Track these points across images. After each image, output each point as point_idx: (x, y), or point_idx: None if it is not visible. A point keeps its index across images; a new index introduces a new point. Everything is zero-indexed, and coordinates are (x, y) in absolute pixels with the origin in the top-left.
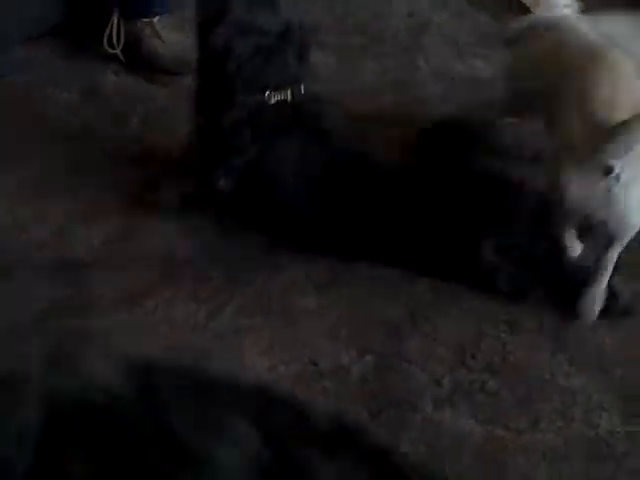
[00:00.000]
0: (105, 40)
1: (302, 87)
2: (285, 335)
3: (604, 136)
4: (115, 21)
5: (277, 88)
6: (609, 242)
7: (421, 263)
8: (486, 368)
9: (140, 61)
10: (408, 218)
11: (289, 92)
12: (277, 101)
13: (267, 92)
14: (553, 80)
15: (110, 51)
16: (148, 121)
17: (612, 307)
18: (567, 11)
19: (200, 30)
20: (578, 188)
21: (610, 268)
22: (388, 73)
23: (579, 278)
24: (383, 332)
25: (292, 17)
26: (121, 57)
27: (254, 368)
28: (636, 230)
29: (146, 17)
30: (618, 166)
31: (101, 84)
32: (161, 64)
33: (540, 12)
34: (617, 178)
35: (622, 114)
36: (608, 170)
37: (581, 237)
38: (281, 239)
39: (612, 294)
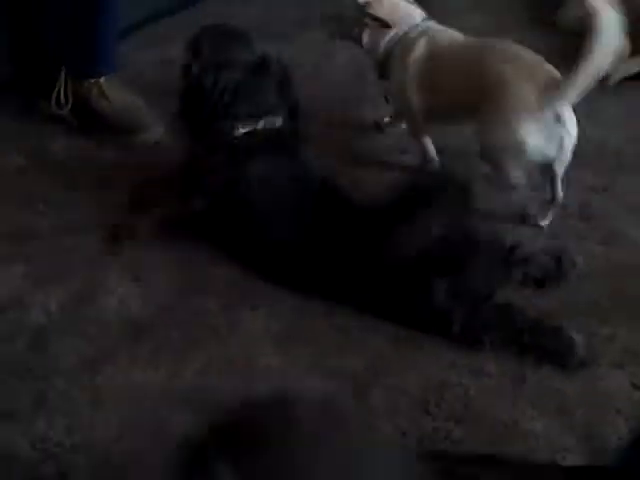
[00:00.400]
0: (53, 100)
1: (279, 118)
2: (248, 394)
3: (552, 90)
4: (62, 81)
5: (249, 118)
6: (554, 176)
7: (377, 306)
8: (450, 416)
9: (88, 121)
10: (367, 257)
11: (261, 122)
12: (248, 131)
13: (236, 122)
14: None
15: (58, 112)
16: (99, 181)
17: (568, 359)
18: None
19: (182, 69)
20: (537, 139)
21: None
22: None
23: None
24: (346, 385)
25: (270, 52)
26: (70, 117)
27: None
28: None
29: (92, 77)
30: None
31: (50, 146)
32: (109, 124)
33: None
34: (562, 121)
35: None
36: (557, 117)
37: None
38: (250, 265)
39: (568, 345)
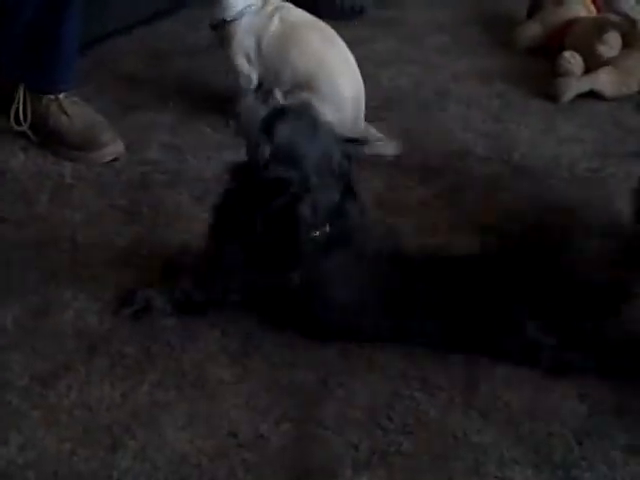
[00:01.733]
0: (12, 117)
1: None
2: (202, 408)
3: None
4: (21, 98)
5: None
6: None
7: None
8: (401, 429)
9: (48, 137)
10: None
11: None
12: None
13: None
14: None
15: (17, 128)
16: (56, 198)
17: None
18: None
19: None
20: None
21: None
22: None
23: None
24: (299, 399)
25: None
26: (29, 134)
27: (173, 444)
28: None
29: (51, 93)
30: None
31: (9, 162)
32: (68, 140)
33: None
34: None
35: None
36: None
37: None
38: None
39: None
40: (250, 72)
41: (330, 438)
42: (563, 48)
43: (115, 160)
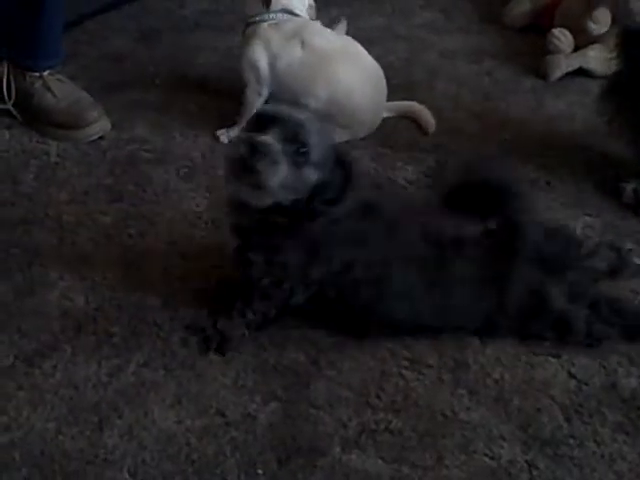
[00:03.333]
0: None
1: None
2: (190, 388)
3: None
4: (5, 75)
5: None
6: None
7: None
8: (390, 407)
9: (32, 116)
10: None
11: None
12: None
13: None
14: None
15: (1, 106)
16: (42, 177)
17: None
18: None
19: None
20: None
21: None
22: None
23: None
24: (288, 378)
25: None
26: (14, 112)
27: (161, 423)
28: None
29: (36, 71)
30: None
31: None
32: (53, 118)
33: None
34: None
35: None
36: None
37: None
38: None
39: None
40: (258, 87)
41: (319, 417)
42: (553, 25)
43: (101, 138)
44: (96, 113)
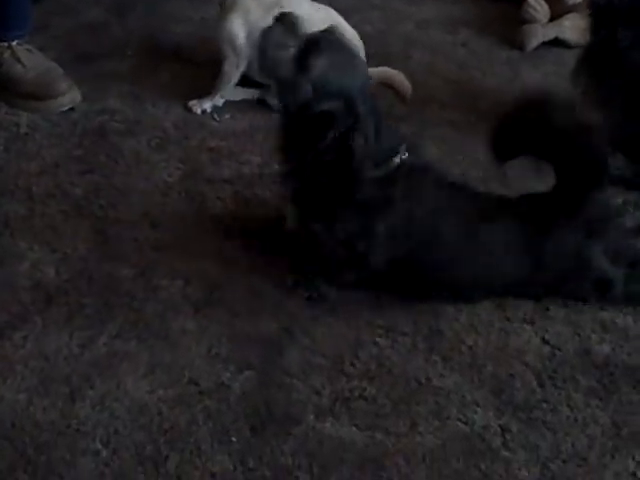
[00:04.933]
0: None
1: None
2: (163, 358)
3: None
4: None
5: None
6: None
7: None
8: (364, 375)
9: (1, 86)
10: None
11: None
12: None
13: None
14: None
15: None
16: (11, 148)
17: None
18: None
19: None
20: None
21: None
22: None
23: None
24: (262, 347)
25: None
26: None
27: (133, 393)
28: None
29: (4, 41)
30: None
31: None
32: (23, 89)
33: None
34: None
35: None
36: None
37: None
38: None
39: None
40: (236, 60)
41: (293, 385)
42: None
43: (72, 110)
44: (66, 84)
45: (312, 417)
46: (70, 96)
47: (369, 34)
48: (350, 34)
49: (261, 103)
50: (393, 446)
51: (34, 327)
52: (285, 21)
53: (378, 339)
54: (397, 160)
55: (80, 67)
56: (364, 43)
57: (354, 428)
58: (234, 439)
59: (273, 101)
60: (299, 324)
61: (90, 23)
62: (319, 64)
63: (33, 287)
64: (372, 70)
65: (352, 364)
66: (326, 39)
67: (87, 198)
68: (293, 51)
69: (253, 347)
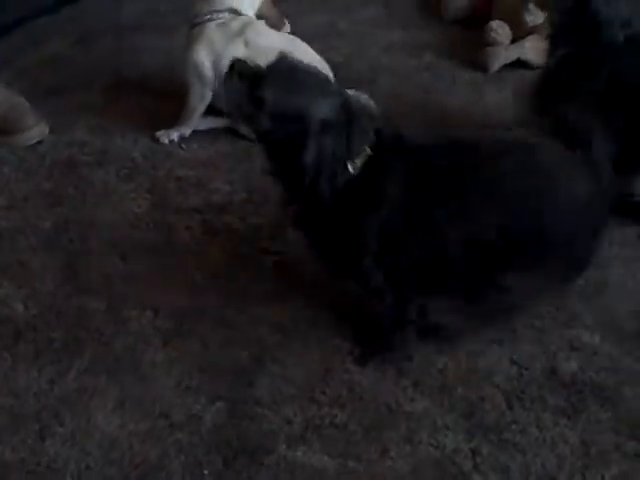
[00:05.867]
0: None
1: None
2: (133, 391)
3: None
4: None
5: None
6: None
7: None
8: (335, 402)
9: None
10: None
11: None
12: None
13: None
14: None
15: None
16: None
17: None
18: None
19: None
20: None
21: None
22: None
23: None
24: (233, 378)
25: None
26: None
27: (104, 428)
28: None
29: None
30: None
31: None
32: None
33: None
34: None
35: None
36: None
37: None
38: None
39: None
40: (202, 90)
41: (264, 414)
42: (490, 18)
43: (39, 143)
44: (33, 118)
45: (284, 446)
46: (38, 129)
47: (336, 60)
48: (316, 62)
49: (232, 132)
50: (365, 472)
51: (3, 363)
52: (239, 66)
53: (348, 365)
54: (367, 151)
55: (47, 100)
56: (331, 69)
57: (326, 456)
58: (206, 472)
59: (245, 130)
60: (269, 352)
61: (56, 56)
62: (269, 96)
63: (1, 323)
64: None
65: (322, 391)
66: (275, 68)
67: (56, 232)
68: (245, 89)
69: (224, 378)
